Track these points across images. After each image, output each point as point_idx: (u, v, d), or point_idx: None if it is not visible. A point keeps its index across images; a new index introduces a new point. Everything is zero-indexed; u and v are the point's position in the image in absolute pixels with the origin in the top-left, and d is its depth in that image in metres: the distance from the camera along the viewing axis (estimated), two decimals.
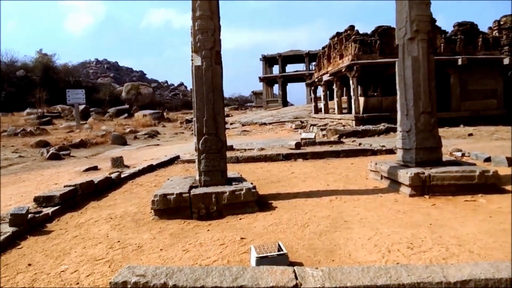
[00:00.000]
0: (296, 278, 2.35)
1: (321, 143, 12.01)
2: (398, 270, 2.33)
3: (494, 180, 4.99)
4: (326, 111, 23.35)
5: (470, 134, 12.70)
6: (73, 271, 3.43)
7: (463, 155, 8.07)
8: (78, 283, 3.15)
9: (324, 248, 3.68)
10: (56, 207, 5.42)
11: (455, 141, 11.07)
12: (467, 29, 18.15)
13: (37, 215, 4.95)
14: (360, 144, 11.46)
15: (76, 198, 5.98)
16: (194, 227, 4.67)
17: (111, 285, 2.37)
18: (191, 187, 5.33)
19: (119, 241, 4.23)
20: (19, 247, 4.12)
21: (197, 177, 5.45)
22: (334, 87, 21.30)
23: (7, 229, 4.28)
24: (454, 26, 18.74)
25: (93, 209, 5.70)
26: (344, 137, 14.20)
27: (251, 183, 5.55)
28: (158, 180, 7.79)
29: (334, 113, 21.53)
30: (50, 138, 15.13)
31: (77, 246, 4.14)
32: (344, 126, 17.30)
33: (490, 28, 21.10)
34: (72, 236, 4.50)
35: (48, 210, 5.27)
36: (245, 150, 11.61)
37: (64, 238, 4.46)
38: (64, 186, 6.14)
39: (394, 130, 13.99)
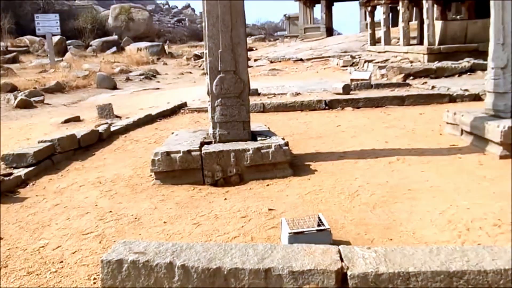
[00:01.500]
0: (342, 259, 2.37)
1: (379, 86, 11.97)
2: (479, 252, 2.31)
3: None
4: (387, 42, 22.62)
5: None
6: (55, 247, 3.63)
7: None
8: (62, 261, 3.34)
9: (379, 224, 3.75)
10: (30, 168, 5.61)
11: None
12: None
13: (7, 178, 5.13)
14: (433, 87, 11.35)
15: (55, 157, 6.18)
16: (207, 194, 4.84)
17: (103, 264, 2.47)
18: (202, 143, 5.49)
19: (111, 211, 4.44)
20: None
21: (211, 130, 5.59)
22: (399, 7, 20.52)
23: None
24: None
25: (77, 171, 5.93)
26: (411, 77, 13.91)
27: (282, 139, 5.54)
28: (160, 134, 7.91)
29: (398, 45, 20.85)
30: (17, 80, 15.23)
31: (59, 217, 4.31)
32: (411, 62, 16.81)
33: None
34: (52, 205, 4.69)
35: (20, 172, 5.48)
36: (274, 95, 11.68)
37: (42, 206, 4.65)
38: (39, 142, 6.29)
39: (483, 68, 13.53)
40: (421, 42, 19.64)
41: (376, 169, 5.27)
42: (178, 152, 5.19)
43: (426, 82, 12.71)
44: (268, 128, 6.30)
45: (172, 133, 6.43)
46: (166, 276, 2.40)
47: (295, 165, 5.67)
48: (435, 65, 14.98)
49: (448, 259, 2.28)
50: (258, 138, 5.59)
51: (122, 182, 5.38)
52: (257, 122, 6.92)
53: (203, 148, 5.27)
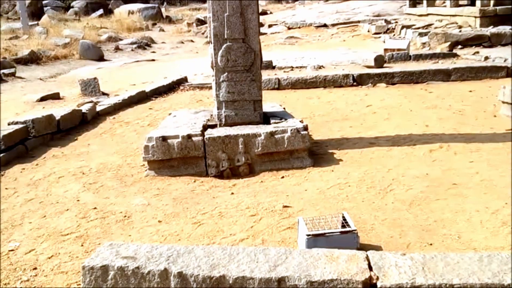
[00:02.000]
0: (370, 268, 2.34)
1: (419, 57, 11.89)
2: None
3: None
4: (431, 3, 22.34)
5: None
6: (27, 250, 3.64)
7: None
8: (35, 268, 3.35)
9: (416, 225, 3.77)
10: None
11: None
12: None
13: None
14: (486, 58, 11.27)
15: (29, 142, 6.21)
16: (211, 188, 4.92)
17: (85, 270, 2.46)
18: (205, 127, 5.56)
19: (95, 208, 4.48)
20: None
21: (215, 111, 5.62)
22: None
23: None
24: None
25: (56, 159, 5.96)
26: (459, 46, 13.66)
27: (301, 121, 5.55)
28: (154, 115, 7.98)
29: (444, 6, 20.55)
30: None
31: (33, 215, 4.32)
32: (460, 27, 16.56)
33: None
34: (24, 200, 4.70)
35: None
36: (292, 69, 11.66)
37: (12, 201, 4.67)
38: (9, 124, 6.30)
39: None
40: (472, 3, 19.38)
41: (413, 159, 5.27)
42: (176, 137, 5.23)
43: (477, 52, 12.48)
44: (284, 108, 6.28)
45: (170, 114, 6.46)
46: (160, 285, 2.40)
47: (315, 153, 5.63)
48: (490, 30, 14.66)
49: (502, 269, 2.24)
50: (272, 121, 5.59)
51: (109, 172, 5.40)
52: (270, 102, 6.86)
53: (206, 133, 5.30)
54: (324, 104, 8.11)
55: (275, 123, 5.54)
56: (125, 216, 4.29)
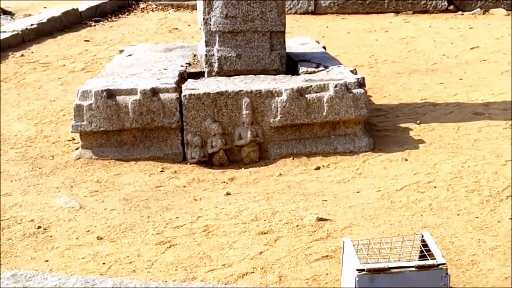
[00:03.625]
0: None
1: None
2: None
3: None
4: None
5: None
6: None
7: None
8: None
9: None
10: None
11: None
12: None
13: None
14: None
15: None
16: (191, 183, 5.19)
17: None
18: (184, 77, 5.74)
19: None
20: None
21: (202, 49, 5.87)
22: None
23: None
24: None
25: None
26: None
27: (353, 71, 5.68)
28: (94, 53, 8.13)
29: None
30: None
31: None
32: None
33: None
34: None
35: None
36: None
37: None
38: None
39: None
40: None
41: None
42: (131, 91, 5.43)
43: None
44: (324, 48, 6.32)
45: (121, 51, 6.56)
46: None
47: (377, 128, 5.74)
48: None
49: None
50: (302, 69, 5.78)
51: (12, 151, 5.47)
52: (301, 36, 6.85)
53: (184, 86, 5.46)
54: (395, 43, 8.19)
55: (306, 73, 5.60)
56: (39, 228, 4.37)
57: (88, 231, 4.32)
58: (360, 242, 3.59)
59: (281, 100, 5.28)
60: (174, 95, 5.33)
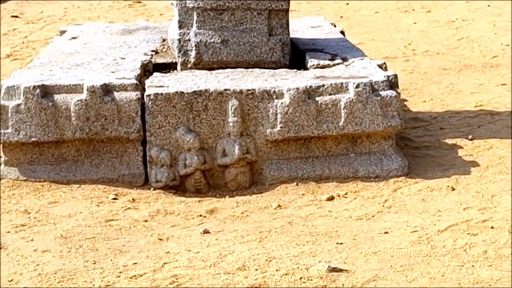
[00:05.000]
0: None
1: None
2: None
3: None
4: None
5: None
6: None
7: None
8: None
9: None
10: None
11: None
12: None
13: None
14: None
15: None
16: (154, 216, 4.98)
17: None
18: (148, 69, 5.67)
19: None
20: None
21: (174, 32, 5.76)
22: None
23: None
24: None
25: None
26: None
27: (382, 66, 5.62)
28: (24, 33, 8.13)
29: None
30: None
31: None
32: None
33: None
34: None
35: None
36: None
37: None
38: None
39: None
40: None
41: None
42: (75, 88, 5.27)
43: None
44: (342, 32, 6.14)
45: (62, 32, 6.45)
46: None
47: (413, 144, 5.76)
48: None
49: None
50: (311, 61, 5.66)
51: None
52: (311, 16, 6.72)
53: (148, 82, 5.36)
54: (441, 27, 8.15)
55: (318, 67, 5.58)
56: None
57: (11, 280, 4.10)
58: None
59: (282, 103, 5.18)
60: (134, 95, 5.14)
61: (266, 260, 4.29)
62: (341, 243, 4.48)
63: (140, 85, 5.21)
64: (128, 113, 5.14)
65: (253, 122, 5.20)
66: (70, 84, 5.23)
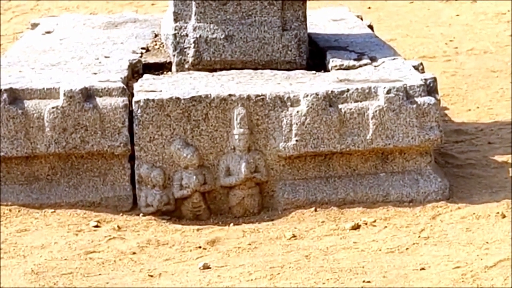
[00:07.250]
0: None
1: None
2: None
3: None
4: None
5: None
6: None
7: None
8: None
9: None
10: None
11: None
12: None
13: None
14: None
15: None
16: (144, 247, 4.71)
17: None
18: (137, 70, 5.56)
19: None
20: None
21: (168, 26, 5.71)
22: None
23: None
24: None
25: None
26: None
27: (418, 68, 5.44)
28: None
29: None
30: None
31: None
32: None
33: None
34: None
35: None
36: None
37: None
38: None
39: None
40: None
41: None
42: (49, 93, 4.99)
43: None
44: (371, 26, 6.32)
45: (34, 25, 6.53)
46: None
47: (456, 162, 5.62)
48: None
49: None
50: (333, 61, 5.41)
51: None
52: (331, 7, 6.47)
53: (138, 86, 5.06)
54: (489, 20, 7.83)
55: (341, 68, 5.32)
56: None
57: None
58: None
59: (298, 112, 4.85)
60: (120, 101, 4.79)
61: None
62: (368, 281, 4.10)
63: (127, 90, 4.92)
64: (113, 123, 4.94)
65: (263, 134, 4.91)
66: (43, 88, 4.99)
